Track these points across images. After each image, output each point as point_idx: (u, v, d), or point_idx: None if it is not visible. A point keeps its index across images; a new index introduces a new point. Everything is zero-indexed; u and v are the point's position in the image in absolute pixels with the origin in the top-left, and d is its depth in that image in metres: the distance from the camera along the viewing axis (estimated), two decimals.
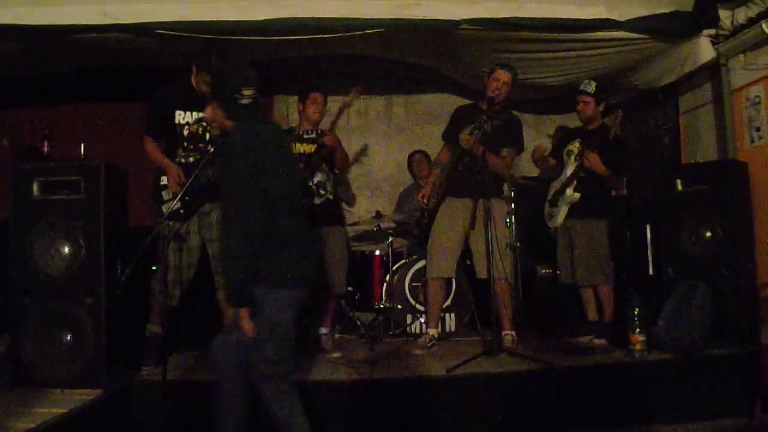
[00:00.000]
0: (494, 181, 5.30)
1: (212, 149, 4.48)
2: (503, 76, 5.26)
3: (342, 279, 5.47)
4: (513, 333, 5.38)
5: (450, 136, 5.59)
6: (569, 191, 5.35)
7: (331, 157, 5.43)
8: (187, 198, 4.52)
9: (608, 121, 5.28)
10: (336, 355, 5.19)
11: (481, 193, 5.06)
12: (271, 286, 3.34)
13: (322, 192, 5.32)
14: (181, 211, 4.57)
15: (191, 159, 4.66)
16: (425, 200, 5.57)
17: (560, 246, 5.56)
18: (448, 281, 5.86)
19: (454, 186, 5.41)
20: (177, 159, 4.67)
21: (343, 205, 6.68)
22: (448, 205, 5.45)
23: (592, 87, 5.40)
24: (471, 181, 5.23)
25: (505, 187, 6.22)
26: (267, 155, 3.35)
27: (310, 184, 5.30)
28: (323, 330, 5.45)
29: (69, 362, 4.06)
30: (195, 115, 4.67)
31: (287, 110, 7.39)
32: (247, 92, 3.44)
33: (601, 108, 5.45)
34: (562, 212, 5.39)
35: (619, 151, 5.32)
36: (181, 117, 4.69)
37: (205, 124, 4.60)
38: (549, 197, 5.57)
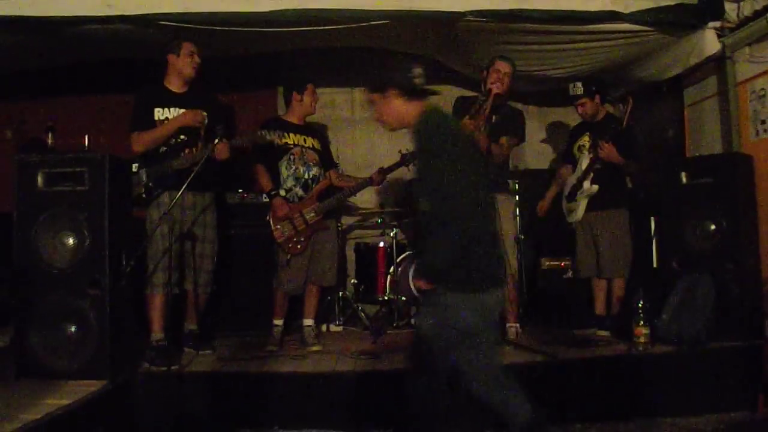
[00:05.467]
0: (500, 177, 5.31)
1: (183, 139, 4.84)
2: (504, 67, 5.21)
3: (333, 271, 5.44)
4: (517, 326, 5.39)
5: None
6: (586, 184, 5.33)
7: (328, 152, 5.54)
8: (150, 184, 4.77)
9: (617, 112, 5.28)
10: (315, 348, 5.18)
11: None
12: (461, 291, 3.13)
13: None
14: (144, 195, 4.79)
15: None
16: None
17: (580, 239, 5.55)
18: None
19: None
20: (159, 152, 4.85)
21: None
22: None
23: (579, 89, 5.42)
24: None
25: (510, 182, 6.23)
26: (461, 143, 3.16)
27: (306, 177, 5.31)
28: (307, 322, 5.43)
29: (73, 354, 4.07)
30: (172, 111, 4.86)
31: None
32: (418, 71, 3.27)
33: (597, 100, 5.44)
34: (582, 206, 5.38)
35: (629, 137, 5.31)
36: (160, 113, 4.86)
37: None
38: (566, 193, 5.56)
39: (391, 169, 5.35)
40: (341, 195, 5.33)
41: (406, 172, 6.13)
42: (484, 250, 3.12)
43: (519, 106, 7.36)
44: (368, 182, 5.40)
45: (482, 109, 5.06)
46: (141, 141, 4.79)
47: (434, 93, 3.39)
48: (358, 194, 6.93)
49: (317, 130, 5.63)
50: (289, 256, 5.18)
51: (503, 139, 5.25)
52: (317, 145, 5.42)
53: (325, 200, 5.26)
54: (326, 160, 5.53)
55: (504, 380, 3.20)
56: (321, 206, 5.21)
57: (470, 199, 3.03)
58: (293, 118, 5.41)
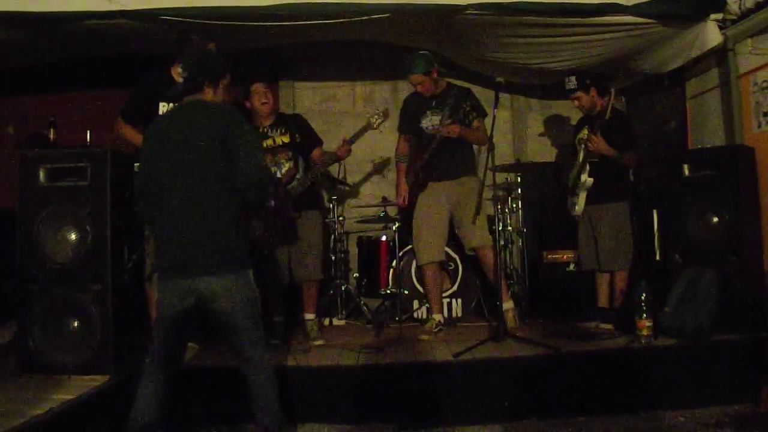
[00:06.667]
0: (468, 160, 5.52)
1: None
2: (415, 79, 5.47)
3: (317, 264, 5.37)
4: (512, 306, 5.44)
5: (406, 128, 5.75)
6: (583, 177, 5.33)
7: (302, 145, 5.40)
8: None
9: (619, 104, 5.27)
10: (319, 342, 5.17)
11: (458, 172, 5.43)
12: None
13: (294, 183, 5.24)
14: None
15: None
16: (404, 201, 5.68)
17: (581, 233, 5.56)
18: (452, 267, 5.89)
19: (432, 172, 5.45)
20: None
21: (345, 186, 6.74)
22: (427, 191, 5.49)
23: (572, 84, 5.43)
24: (446, 163, 5.42)
25: (514, 176, 6.27)
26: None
27: (280, 176, 5.21)
28: (308, 316, 5.41)
29: (76, 349, 4.08)
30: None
31: (293, 95, 7.36)
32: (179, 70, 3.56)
33: (593, 93, 5.43)
34: (581, 199, 5.38)
35: (619, 128, 5.31)
36: (165, 108, 4.68)
37: None
38: (569, 188, 5.56)
39: (356, 136, 5.32)
40: (303, 177, 5.25)
41: None
42: (161, 237, 3.42)
43: (521, 99, 7.43)
44: (333, 157, 5.34)
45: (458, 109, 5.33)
46: (123, 133, 4.75)
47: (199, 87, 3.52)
48: (359, 189, 6.98)
49: (286, 121, 5.46)
50: (266, 252, 5.13)
51: (476, 122, 5.43)
52: (286, 139, 5.31)
53: (287, 186, 5.19)
54: (303, 147, 5.39)
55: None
56: (280, 193, 5.06)
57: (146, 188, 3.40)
58: (256, 121, 5.32)
